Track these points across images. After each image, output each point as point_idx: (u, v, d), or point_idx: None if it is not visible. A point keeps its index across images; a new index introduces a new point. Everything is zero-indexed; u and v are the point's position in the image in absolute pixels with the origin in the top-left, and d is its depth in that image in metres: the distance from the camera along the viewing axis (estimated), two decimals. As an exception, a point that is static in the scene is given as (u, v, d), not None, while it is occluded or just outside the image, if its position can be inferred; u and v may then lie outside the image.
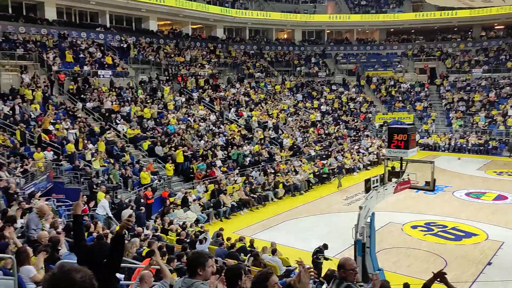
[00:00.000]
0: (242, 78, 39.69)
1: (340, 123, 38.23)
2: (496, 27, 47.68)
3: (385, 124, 36.71)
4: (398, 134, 15.23)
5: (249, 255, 12.73)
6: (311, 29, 50.50)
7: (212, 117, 30.30)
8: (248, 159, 25.87)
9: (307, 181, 25.26)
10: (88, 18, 35.18)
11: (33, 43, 27.42)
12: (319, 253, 13.11)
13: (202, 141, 25.94)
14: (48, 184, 17.26)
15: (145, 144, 23.62)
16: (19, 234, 8.97)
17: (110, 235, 10.61)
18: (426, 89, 43.31)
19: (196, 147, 24.89)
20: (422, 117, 39.83)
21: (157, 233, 14.82)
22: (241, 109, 33.38)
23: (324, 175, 26.63)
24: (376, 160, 31.30)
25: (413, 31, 49.67)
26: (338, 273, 4.62)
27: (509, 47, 43.91)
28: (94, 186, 17.88)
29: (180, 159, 22.80)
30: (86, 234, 9.59)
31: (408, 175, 15.82)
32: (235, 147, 26.25)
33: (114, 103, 26.13)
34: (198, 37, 43.15)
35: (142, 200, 18.25)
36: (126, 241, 10.41)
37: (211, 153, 24.79)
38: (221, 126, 29.42)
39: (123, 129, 24.15)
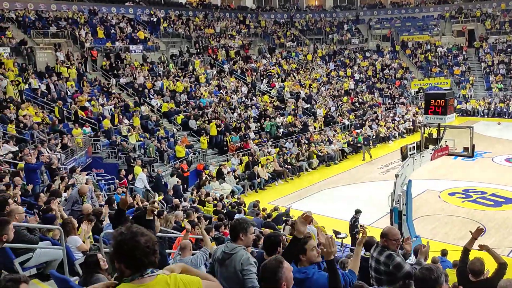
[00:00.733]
0: (273, 48, 39.24)
1: (375, 91, 37.48)
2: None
3: (421, 91, 35.78)
4: (435, 100, 14.87)
5: (284, 224, 12.89)
6: (343, -6, 49.20)
7: (244, 89, 30.24)
8: (281, 130, 25.83)
9: (341, 150, 25.06)
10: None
11: (65, 20, 27.85)
12: (355, 222, 13.12)
13: (235, 114, 26.01)
14: (87, 159, 17.76)
15: (179, 118, 23.89)
16: (63, 207, 9.33)
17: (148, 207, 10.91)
18: (464, 53, 41.72)
19: (229, 119, 25.00)
20: (460, 82, 38.55)
21: (194, 205, 15.13)
22: (273, 80, 33.14)
23: (359, 145, 26.32)
24: (412, 127, 30.68)
25: (450, -9, 47.59)
26: (380, 241, 4.61)
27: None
28: (132, 161, 18.31)
29: (213, 132, 23.00)
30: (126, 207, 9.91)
31: (446, 141, 15.50)
32: (268, 118, 26.21)
33: (146, 78, 26.41)
34: (227, 7, 42.76)
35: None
36: (165, 212, 10.72)
37: (244, 125, 24.87)
38: (253, 98, 29.36)
39: (157, 104, 24.45)
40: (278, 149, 23.68)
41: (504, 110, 34.21)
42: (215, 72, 31.18)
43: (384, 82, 39.41)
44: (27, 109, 18.43)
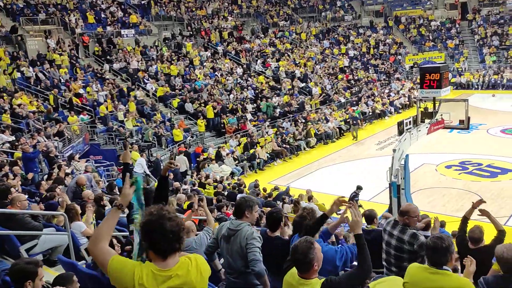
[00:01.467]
0: (267, 27, 38.93)
1: (369, 67, 37.37)
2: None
3: (415, 66, 35.74)
4: (430, 74, 14.92)
5: (282, 202, 13.03)
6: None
7: (239, 70, 30.10)
8: (278, 110, 25.82)
9: (338, 128, 25.12)
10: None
11: (54, 6, 27.40)
12: (355, 198, 13.26)
13: (231, 95, 25.94)
14: (85, 146, 17.76)
15: (175, 102, 23.82)
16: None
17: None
18: (457, 26, 41.55)
19: (226, 101, 24.95)
20: (453, 55, 38.46)
21: (195, 187, 15.22)
22: (268, 60, 32.97)
23: (354, 122, 26.25)
24: (408, 102, 30.72)
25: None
26: (400, 219, 4.62)
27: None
28: (130, 146, 18.30)
29: (210, 114, 22.97)
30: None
31: (441, 115, 15.60)
32: (264, 99, 26.17)
33: (140, 62, 26.21)
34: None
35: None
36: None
37: (240, 106, 24.84)
38: (249, 78, 29.25)
39: (152, 88, 24.34)
40: (275, 129, 23.72)
41: (498, 81, 34.24)
42: (209, 54, 30.97)
43: (378, 58, 39.30)
44: (21, 98, 18.32)
